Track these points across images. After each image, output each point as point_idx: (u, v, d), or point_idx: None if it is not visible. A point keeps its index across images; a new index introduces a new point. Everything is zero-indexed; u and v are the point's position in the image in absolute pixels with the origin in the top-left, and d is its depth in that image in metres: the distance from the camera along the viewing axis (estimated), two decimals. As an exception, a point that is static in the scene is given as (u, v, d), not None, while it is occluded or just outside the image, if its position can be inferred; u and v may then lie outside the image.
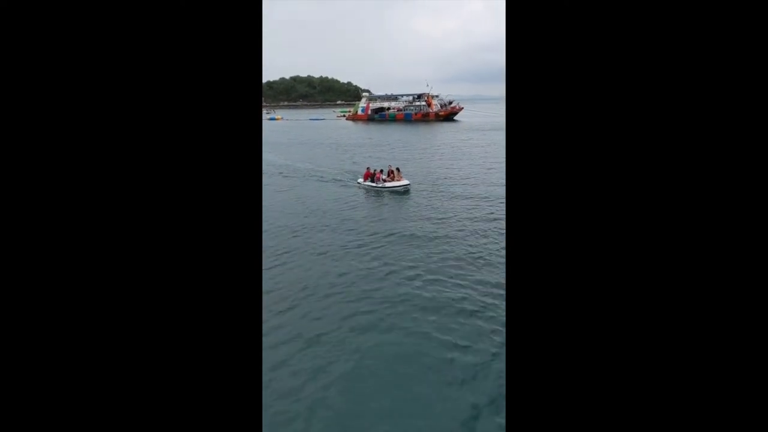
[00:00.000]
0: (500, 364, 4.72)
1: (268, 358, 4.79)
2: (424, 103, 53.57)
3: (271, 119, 63.98)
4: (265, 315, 5.69)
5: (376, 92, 62.26)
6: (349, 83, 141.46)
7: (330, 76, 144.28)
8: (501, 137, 31.32)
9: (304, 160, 21.80)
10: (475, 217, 10.71)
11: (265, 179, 15.60)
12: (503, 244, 8.34)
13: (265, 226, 9.75)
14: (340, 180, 16.41)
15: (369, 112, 58.12)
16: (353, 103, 73.64)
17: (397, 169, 14.86)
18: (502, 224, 9.68)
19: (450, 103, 54.78)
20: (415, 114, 53.39)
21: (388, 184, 14.08)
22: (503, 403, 3.82)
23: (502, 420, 3.91)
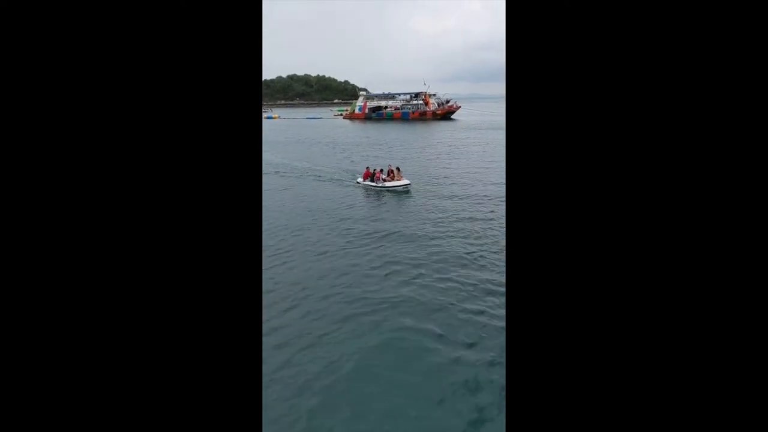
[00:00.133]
0: (500, 364, 4.72)
1: (268, 358, 4.77)
2: (421, 101, 53.73)
3: (269, 118, 63.97)
4: (265, 315, 5.68)
5: (374, 91, 62.54)
6: (346, 82, 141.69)
7: (327, 75, 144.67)
8: (498, 136, 31.46)
9: (302, 159, 21.80)
10: (476, 217, 10.73)
11: (264, 178, 15.54)
12: (503, 243, 8.35)
13: (264, 225, 9.72)
14: (338, 179, 16.41)
15: (366, 110, 58.20)
16: (350, 101, 73.69)
17: (398, 168, 14.84)
18: (503, 223, 9.71)
19: (447, 101, 54.99)
20: (413, 113, 53.52)
21: (388, 184, 14.08)
22: (503, 403, 3.83)
23: (502, 420, 3.91)
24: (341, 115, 66.10)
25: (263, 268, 6.94)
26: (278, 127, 48.45)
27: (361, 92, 63.77)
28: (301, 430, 3.94)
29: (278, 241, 9.08)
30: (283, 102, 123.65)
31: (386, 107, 56.45)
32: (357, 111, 59.66)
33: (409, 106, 54.39)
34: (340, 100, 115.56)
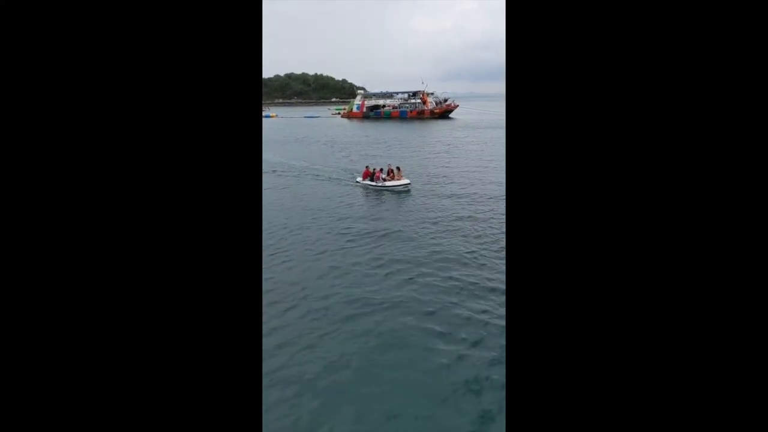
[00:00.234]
0: (500, 363, 4.73)
1: (268, 358, 4.77)
2: (419, 100, 53.74)
3: (266, 116, 63.87)
4: (265, 315, 5.67)
5: (372, 90, 62.53)
6: (344, 81, 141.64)
7: (325, 74, 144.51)
8: (496, 135, 31.51)
9: (300, 158, 21.78)
10: (475, 216, 10.74)
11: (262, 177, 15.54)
12: (503, 242, 8.36)
13: (263, 225, 9.71)
14: (337, 178, 16.39)
15: (364, 109, 58.14)
16: (348, 100, 73.74)
17: (398, 168, 14.80)
18: (502, 222, 9.72)
19: (445, 100, 55.00)
20: (411, 111, 53.52)
21: (388, 183, 14.06)
22: (503, 403, 3.83)
23: (502, 420, 3.91)
24: (339, 113, 66.10)
25: (263, 267, 6.94)
26: (276, 125, 48.41)
27: (359, 91, 63.79)
28: (301, 430, 3.94)
29: (277, 241, 9.07)
30: (280, 101, 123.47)
31: (384, 106, 56.42)
32: (355, 110, 59.62)
33: (407, 105, 54.41)
34: (338, 99, 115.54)
